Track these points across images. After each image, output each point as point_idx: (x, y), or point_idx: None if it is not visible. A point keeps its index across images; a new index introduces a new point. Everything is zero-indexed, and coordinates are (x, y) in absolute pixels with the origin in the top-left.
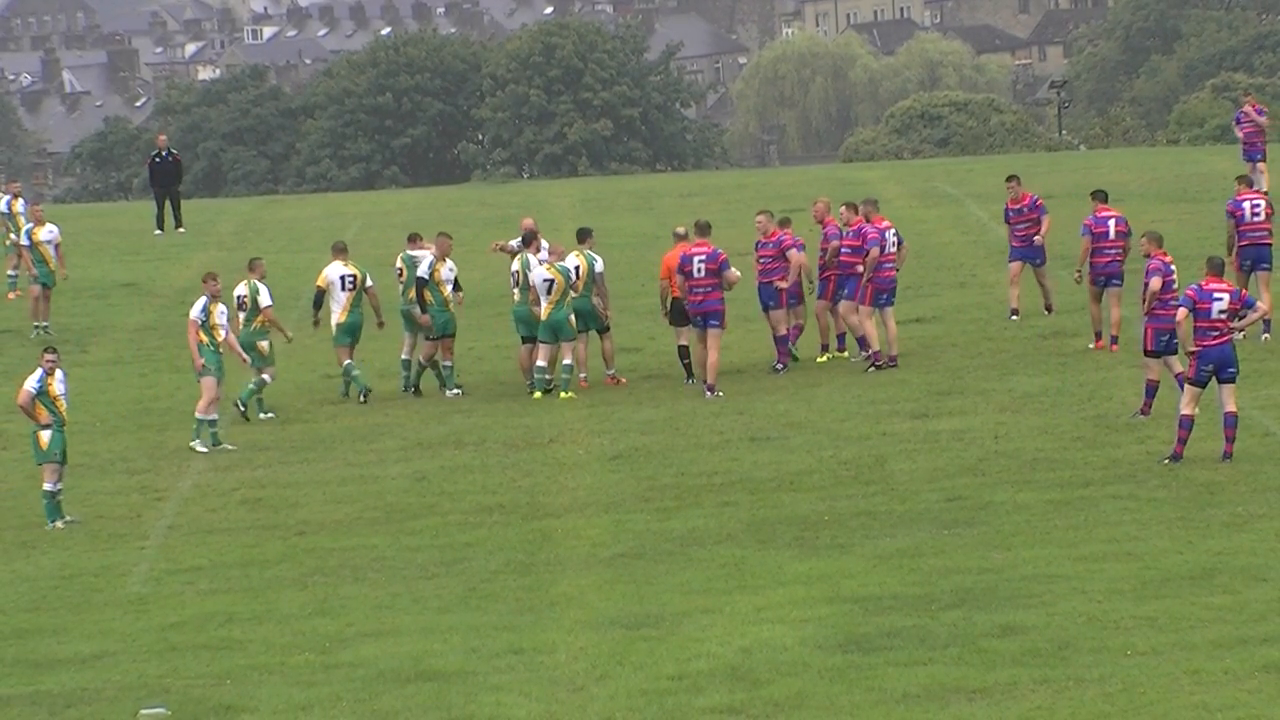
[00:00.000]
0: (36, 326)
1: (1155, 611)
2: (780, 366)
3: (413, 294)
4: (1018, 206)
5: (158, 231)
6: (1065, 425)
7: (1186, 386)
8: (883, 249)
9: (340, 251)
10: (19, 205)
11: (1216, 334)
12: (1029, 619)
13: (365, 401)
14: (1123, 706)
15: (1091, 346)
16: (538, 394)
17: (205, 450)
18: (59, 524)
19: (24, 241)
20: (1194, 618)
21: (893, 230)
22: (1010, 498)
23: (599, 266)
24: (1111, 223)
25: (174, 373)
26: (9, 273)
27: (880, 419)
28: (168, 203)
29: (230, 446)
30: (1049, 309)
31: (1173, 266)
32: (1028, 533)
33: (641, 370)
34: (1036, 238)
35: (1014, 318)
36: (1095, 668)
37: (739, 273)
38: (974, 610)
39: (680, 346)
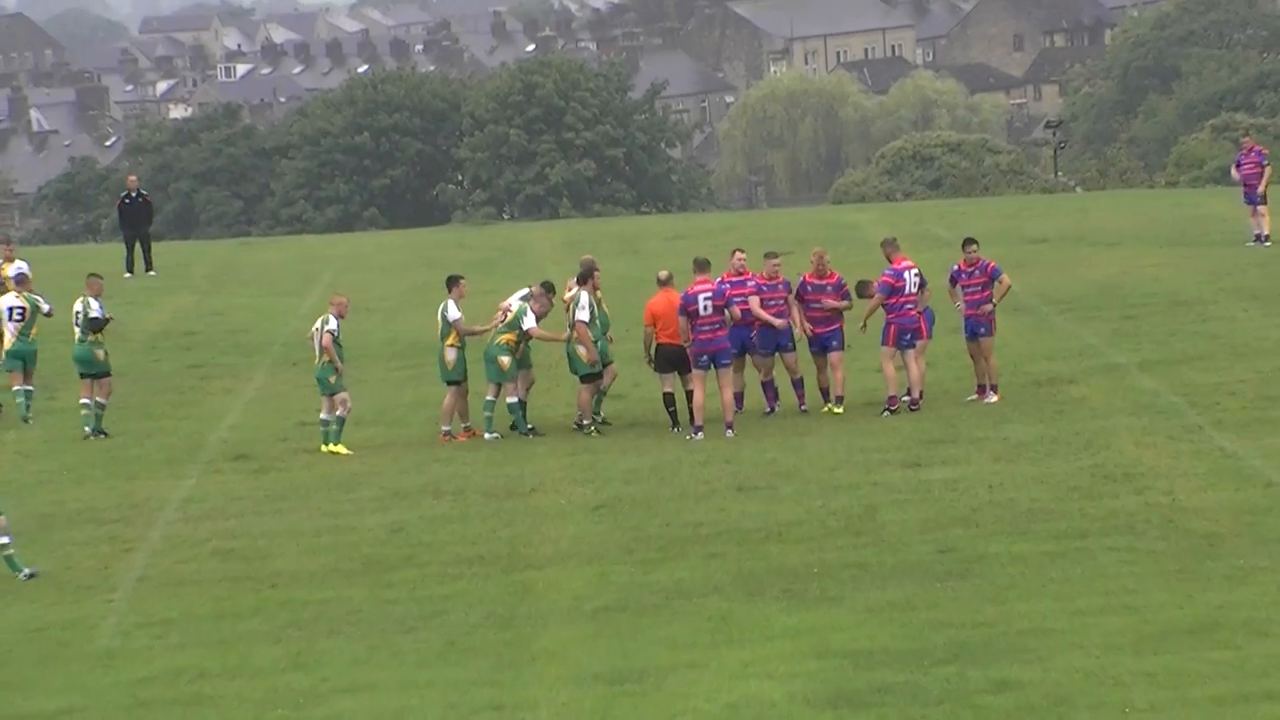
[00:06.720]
0: None
1: (1154, 667)
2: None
3: (508, 338)
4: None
5: (127, 275)
6: (1061, 475)
7: None
8: (901, 290)
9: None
10: None
11: None
12: (1024, 674)
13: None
14: None
15: None
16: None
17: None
18: (29, 571)
19: None
20: (1194, 673)
21: (914, 270)
22: (1005, 549)
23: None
24: None
25: (144, 419)
26: None
27: (871, 468)
28: (137, 245)
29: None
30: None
31: None
32: (1023, 585)
33: (626, 418)
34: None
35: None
36: None
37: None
38: (968, 665)
39: (665, 394)
